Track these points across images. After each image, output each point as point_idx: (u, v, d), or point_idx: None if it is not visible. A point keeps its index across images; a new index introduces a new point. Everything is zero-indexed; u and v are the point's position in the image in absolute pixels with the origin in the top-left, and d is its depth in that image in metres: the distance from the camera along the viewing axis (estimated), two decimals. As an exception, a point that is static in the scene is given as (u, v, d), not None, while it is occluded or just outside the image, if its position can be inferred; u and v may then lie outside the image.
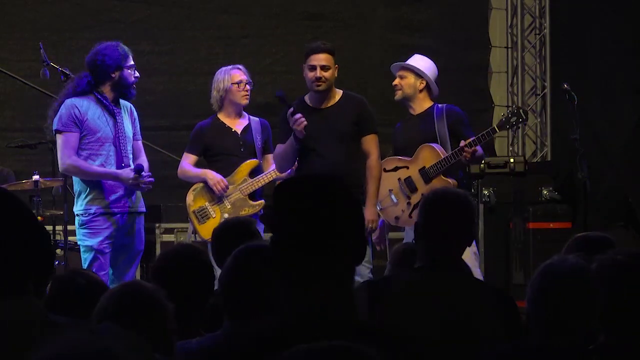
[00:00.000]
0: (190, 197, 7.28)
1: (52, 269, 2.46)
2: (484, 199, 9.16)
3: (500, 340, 3.58)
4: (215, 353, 3.04)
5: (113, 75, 6.62)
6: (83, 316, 2.79)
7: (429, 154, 6.97)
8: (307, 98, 6.83)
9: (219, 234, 4.86)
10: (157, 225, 8.84)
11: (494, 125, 7.06)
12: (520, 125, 7.27)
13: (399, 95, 7.19)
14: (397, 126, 7.37)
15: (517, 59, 10.46)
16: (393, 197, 7.00)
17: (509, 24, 10.46)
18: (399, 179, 7.01)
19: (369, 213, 6.52)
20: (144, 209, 6.72)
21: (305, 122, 6.52)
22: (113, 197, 6.53)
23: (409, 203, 6.97)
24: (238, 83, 7.25)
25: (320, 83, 6.68)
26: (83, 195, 6.56)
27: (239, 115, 7.37)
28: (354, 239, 2.39)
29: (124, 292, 2.75)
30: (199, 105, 9.03)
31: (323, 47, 6.77)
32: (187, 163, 7.29)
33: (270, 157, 7.37)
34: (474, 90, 10.36)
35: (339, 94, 6.78)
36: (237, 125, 7.35)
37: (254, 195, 7.26)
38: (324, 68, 6.70)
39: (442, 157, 6.87)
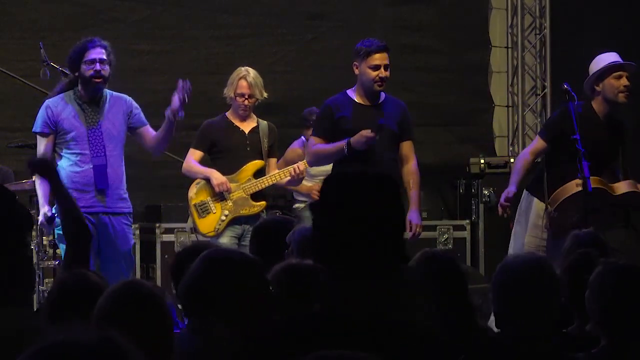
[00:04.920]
0: (192, 191, 7.30)
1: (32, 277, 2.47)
2: (484, 199, 9.16)
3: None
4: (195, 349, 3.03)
5: (76, 74, 6.63)
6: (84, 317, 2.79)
7: (629, 187, 6.56)
8: (352, 94, 6.69)
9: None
10: (157, 225, 8.84)
11: None
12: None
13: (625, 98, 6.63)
14: (570, 109, 6.52)
15: (517, 59, 10.46)
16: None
17: (509, 24, 10.46)
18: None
19: (416, 218, 6.51)
20: (125, 209, 6.64)
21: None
22: (83, 195, 6.47)
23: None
24: (239, 95, 7.22)
25: (382, 83, 6.57)
26: None
27: (245, 120, 7.37)
28: (399, 238, 2.39)
29: (123, 290, 2.75)
30: (199, 105, 9.03)
31: (384, 46, 6.61)
32: (193, 159, 7.31)
33: (273, 161, 7.39)
34: (474, 90, 10.36)
35: (382, 94, 6.71)
36: (246, 125, 7.35)
37: (256, 196, 7.27)
38: (386, 67, 6.59)
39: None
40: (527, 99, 10.48)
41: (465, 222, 9.33)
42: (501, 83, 10.55)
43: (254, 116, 7.41)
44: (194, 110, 9.03)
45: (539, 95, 10.46)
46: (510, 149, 10.45)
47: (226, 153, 7.29)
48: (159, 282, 8.52)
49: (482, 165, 9.39)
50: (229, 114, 7.37)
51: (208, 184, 7.26)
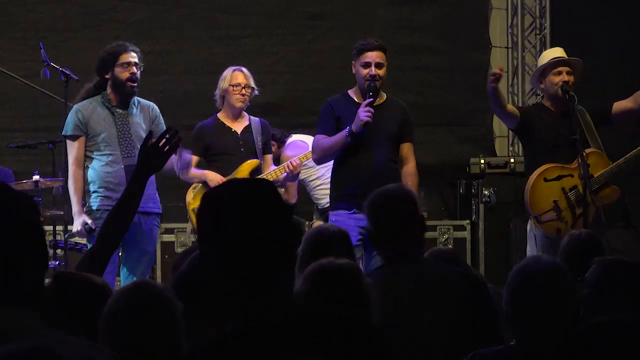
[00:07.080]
0: (190, 195, 7.30)
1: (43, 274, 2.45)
2: (484, 199, 9.16)
3: (469, 322, 3.64)
4: None
5: (107, 77, 6.69)
6: (86, 320, 2.78)
7: (598, 161, 6.65)
8: (352, 93, 6.69)
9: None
10: (157, 225, 8.84)
11: None
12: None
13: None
14: (525, 111, 7.00)
15: (517, 59, 10.46)
16: (559, 208, 6.60)
17: (509, 24, 10.46)
18: (563, 189, 6.64)
19: None
20: (156, 210, 6.77)
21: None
22: (114, 195, 6.56)
23: (574, 213, 6.61)
24: (235, 85, 7.23)
25: (373, 80, 6.54)
26: (91, 191, 6.70)
27: (239, 116, 7.36)
28: (286, 238, 2.33)
29: (134, 290, 2.74)
30: (199, 105, 9.03)
31: (377, 44, 6.60)
32: None
33: (269, 157, 7.38)
34: (474, 90, 10.35)
35: (383, 95, 6.70)
36: (237, 125, 7.35)
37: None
38: (378, 65, 6.57)
39: (612, 163, 6.58)
40: (527, 99, 10.47)
41: (465, 222, 9.33)
42: (501, 83, 10.52)
43: (246, 114, 7.40)
44: (194, 110, 9.06)
45: (539, 95, 10.45)
46: (510, 149, 10.45)
47: (221, 156, 7.28)
48: (158, 282, 8.53)
49: (482, 165, 9.39)
50: (220, 115, 7.36)
51: (205, 188, 7.26)
